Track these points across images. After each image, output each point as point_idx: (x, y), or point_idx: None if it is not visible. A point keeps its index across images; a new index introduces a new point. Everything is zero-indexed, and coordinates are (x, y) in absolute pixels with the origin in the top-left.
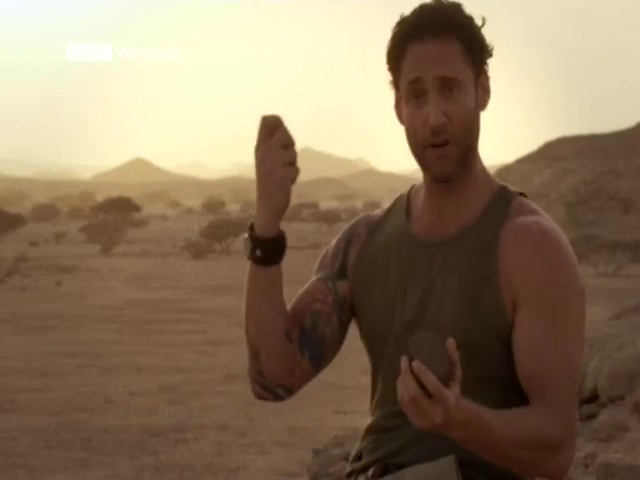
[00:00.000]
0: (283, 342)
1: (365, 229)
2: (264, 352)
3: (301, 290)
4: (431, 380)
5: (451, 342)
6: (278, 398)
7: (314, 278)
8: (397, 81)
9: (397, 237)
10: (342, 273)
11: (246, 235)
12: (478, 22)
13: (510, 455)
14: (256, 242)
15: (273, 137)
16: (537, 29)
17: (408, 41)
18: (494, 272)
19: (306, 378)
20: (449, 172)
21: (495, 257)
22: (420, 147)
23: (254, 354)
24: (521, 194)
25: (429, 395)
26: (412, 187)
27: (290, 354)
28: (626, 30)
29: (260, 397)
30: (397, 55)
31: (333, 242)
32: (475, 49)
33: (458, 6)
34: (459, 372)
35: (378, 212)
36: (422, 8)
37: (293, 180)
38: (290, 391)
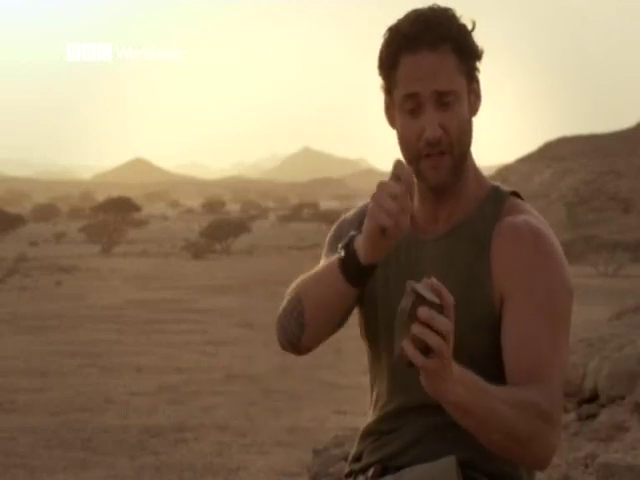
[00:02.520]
0: (332, 330)
1: None
2: (312, 331)
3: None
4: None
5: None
6: (298, 353)
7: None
8: (389, 87)
9: None
10: None
11: (341, 250)
12: (467, 24)
13: (508, 425)
14: (354, 264)
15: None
16: (537, 29)
17: (402, 51)
18: (486, 275)
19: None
20: (444, 182)
21: (487, 259)
22: (414, 157)
23: (300, 325)
24: (514, 193)
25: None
26: None
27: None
28: (626, 30)
29: (284, 349)
30: (390, 64)
31: (347, 217)
32: (468, 58)
33: (451, 13)
34: (452, 313)
35: None
36: (416, 17)
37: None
38: (309, 349)
